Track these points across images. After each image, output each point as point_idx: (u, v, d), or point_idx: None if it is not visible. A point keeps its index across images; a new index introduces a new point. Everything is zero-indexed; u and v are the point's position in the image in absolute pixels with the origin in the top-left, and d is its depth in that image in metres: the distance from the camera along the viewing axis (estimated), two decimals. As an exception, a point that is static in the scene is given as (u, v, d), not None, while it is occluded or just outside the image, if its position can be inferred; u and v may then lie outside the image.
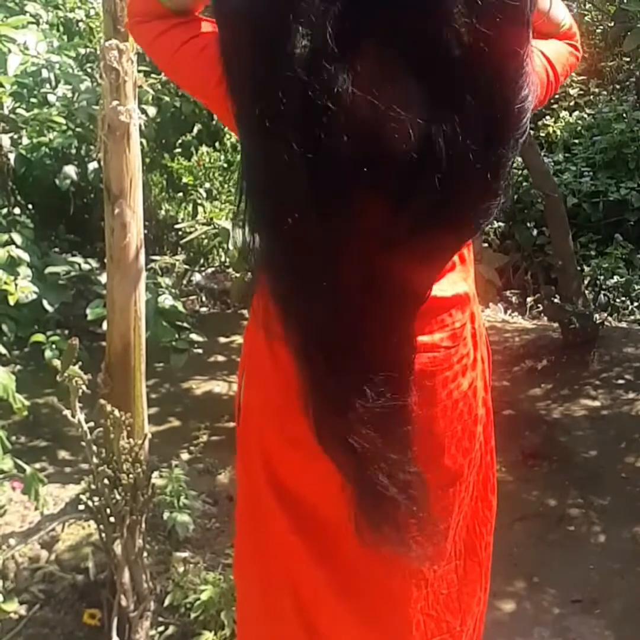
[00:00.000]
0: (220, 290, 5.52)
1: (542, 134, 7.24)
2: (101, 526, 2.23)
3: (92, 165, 3.93)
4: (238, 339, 4.70)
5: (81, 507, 2.32)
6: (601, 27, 7.75)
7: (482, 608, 1.46)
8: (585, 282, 5.11)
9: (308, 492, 1.30)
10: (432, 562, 1.24)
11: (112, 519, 2.19)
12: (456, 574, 1.34)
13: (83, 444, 2.15)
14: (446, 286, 1.27)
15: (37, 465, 3.13)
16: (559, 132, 7.24)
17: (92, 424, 2.14)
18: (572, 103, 7.65)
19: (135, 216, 2.13)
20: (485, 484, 1.40)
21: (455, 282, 1.28)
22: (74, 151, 4.06)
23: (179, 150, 4.69)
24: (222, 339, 4.74)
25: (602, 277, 5.28)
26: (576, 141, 7.07)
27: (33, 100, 3.76)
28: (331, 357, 1.12)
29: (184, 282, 5.23)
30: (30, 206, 4.36)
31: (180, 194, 5.85)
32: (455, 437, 1.28)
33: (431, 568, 1.27)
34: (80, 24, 4.58)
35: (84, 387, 2.06)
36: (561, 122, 7.35)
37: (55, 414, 3.37)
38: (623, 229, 6.14)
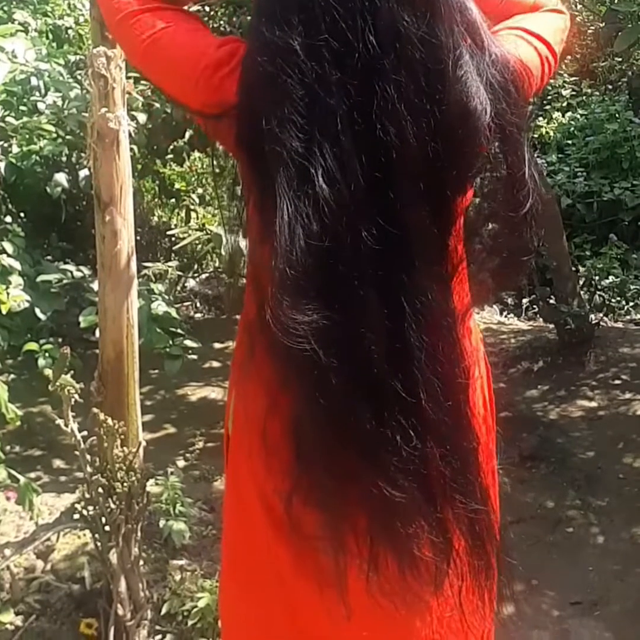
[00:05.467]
0: (214, 296, 5.51)
1: (535, 135, 7.25)
2: (96, 535, 2.21)
3: (83, 173, 3.93)
4: (233, 345, 4.67)
5: (76, 516, 2.30)
6: (593, 27, 7.77)
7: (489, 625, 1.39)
8: (581, 282, 5.10)
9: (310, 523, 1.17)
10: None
11: (107, 528, 2.17)
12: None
13: (77, 453, 2.14)
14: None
15: (32, 475, 3.12)
16: (551, 133, 7.24)
17: (85, 432, 2.12)
18: (564, 104, 7.66)
19: (126, 223, 2.11)
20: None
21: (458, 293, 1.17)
22: (64, 159, 4.05)
23: (170, 156, 4.68)
24: (217, 345, 4.72)
25: (597, 278, 5.27)
26: (569, 142, 7.07)
27: (22, 108, 3.75)
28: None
29: (178, 288, 5.22)
30: (21, 214, 4.35)
31: (173, 200, 5.83)
32: None
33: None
34: (70, 31, 4.59)
35: (76, 395, 2.04)
36: (554, 122, 7.35)
37: (49, 423, 3.37)
38: (617, 229, 6.14)
